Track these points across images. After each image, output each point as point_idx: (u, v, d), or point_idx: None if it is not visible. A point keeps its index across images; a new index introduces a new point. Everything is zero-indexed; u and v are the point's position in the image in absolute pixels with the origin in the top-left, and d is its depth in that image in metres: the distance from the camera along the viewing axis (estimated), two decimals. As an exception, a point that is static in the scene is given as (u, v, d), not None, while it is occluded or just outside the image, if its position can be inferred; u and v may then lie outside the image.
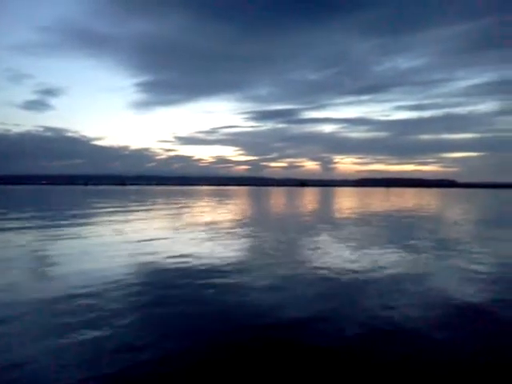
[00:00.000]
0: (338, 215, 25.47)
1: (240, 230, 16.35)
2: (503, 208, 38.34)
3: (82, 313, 5.81)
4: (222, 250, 11.12)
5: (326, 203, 43.62)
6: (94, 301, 6.38)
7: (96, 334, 5.04)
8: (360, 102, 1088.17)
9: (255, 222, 19.81)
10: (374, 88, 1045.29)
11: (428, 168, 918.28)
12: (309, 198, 57.26)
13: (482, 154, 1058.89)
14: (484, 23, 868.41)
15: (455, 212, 30.75)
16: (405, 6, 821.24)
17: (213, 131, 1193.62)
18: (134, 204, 35.97)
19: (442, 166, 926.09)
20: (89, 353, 4.51)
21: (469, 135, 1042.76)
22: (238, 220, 20.78)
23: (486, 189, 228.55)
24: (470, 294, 7.11)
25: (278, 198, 57.00)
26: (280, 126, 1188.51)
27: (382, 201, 49.55)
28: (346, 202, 47.94)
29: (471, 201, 54.22)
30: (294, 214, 25.88)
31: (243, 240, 13.27)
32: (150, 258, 9.88)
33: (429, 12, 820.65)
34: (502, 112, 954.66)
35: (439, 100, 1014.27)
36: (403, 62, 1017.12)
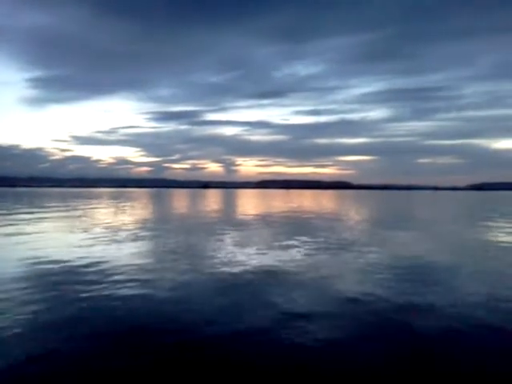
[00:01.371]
0: (238, 217, 27.19)
1: (139, 233, 16.38)
2: (390, 207, 46.86)
3: None
4: (122, 255, 11.21)
5: (227, 205, 45.33)
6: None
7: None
8: (260, 106, 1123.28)
9: (155, 226, 20.09)
10: (273, 93, 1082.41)
11: (325, 170, 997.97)
12: (211, 200, 58.74)
13: (373, 157, 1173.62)
14: (377, 35, 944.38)
15: (349, 211, 35.48)
16: (304, 14, 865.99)
17: (112, 131, 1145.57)
18: (24, 210, 31.93)
19: (338, 169, 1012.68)
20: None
21: (361, 140, 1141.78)
22: (136, 224, 20.61)
23: (379, 190, 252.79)
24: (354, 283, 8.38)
25: (180, 200, 57.59)
26: (182, 127, 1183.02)
27: (281, 202, 53.07)
28: (247, 203, 50.70)
29: (365, 201, 60.50)
30: (196, 217, 26.73)
31: (143, 244, 13.53)
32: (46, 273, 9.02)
33: (327, 21, 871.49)
34: (391, 119, 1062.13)
35: (334, 106, 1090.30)
36: (302, 69, 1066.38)
